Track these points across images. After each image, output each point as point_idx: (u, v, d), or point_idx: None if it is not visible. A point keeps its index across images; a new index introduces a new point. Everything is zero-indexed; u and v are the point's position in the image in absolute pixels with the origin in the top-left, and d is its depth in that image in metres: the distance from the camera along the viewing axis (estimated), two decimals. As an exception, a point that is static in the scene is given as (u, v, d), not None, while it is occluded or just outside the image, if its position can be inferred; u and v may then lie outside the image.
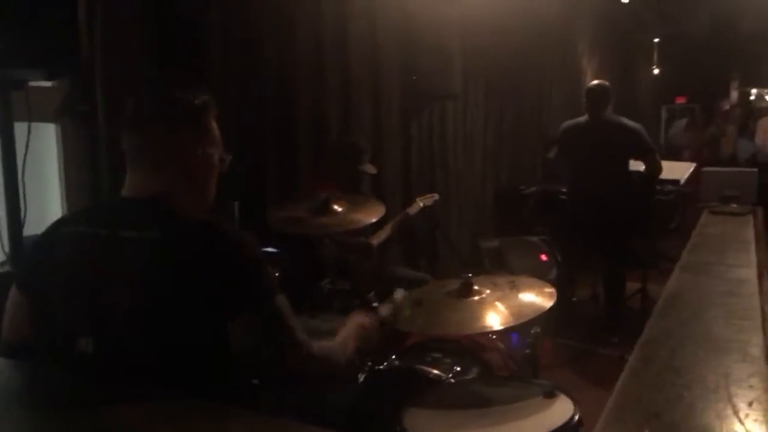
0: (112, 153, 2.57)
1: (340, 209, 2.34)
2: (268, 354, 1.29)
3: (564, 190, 5.84)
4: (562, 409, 1.56)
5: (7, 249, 2.15)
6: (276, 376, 1.40)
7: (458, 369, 2.11)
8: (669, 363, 1.09)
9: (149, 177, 1.35)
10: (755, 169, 4.07)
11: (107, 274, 1.27)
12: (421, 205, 3.35)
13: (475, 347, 2.28)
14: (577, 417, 1.51)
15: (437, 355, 2.18)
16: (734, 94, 11.75)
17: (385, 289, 2.53)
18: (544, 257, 4.73)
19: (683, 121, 9.36)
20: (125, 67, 2.52)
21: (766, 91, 13.21)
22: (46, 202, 2.55)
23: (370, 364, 2.06)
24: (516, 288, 1.95)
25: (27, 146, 1.92)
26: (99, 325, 1.25)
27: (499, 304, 1.87)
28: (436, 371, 2.05)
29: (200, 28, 2.89)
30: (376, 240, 3.02)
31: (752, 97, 11.34)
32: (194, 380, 1.23)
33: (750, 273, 1.88)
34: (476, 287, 1.93)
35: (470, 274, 1.96)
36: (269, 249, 2.29)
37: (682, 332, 1.27)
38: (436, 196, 3.55)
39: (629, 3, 7.91)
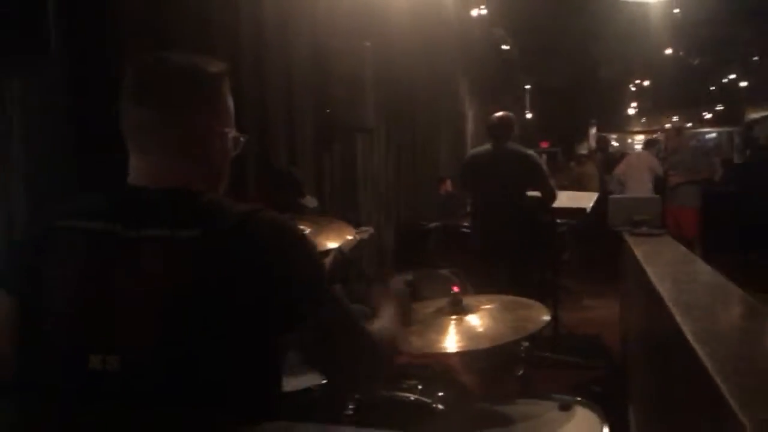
0: (28, 180, 2.27)
1: (307, 230, 2.20)
2: (338, 352, 1.13)
3: (465, 224, 6.03)
4: (587, 419, 1.52)
5: None
6: (352, 375, 1.19)
7: (440, 395, 2.02)
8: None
9: (163, 161, 1.14)
10: (658, 196, 4.41)
11: (128, 280, 1.05)
12: (358, 238, 3.25)
13: (449, 371, 2.21)
14: (605, 429, 1.48)
15: (412, 382, 2.09)
16: (592, 139, 12.84)
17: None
18: (455, 288, 4.80)
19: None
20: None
21: (613, 136, 14.61)
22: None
23: (357, 397, 1.92)
24: (504, 304, 1.92)
25: None
26: (121, 339, 1.04)
27: (494, 320, 1.82)
28: (415, 396, 1.96)
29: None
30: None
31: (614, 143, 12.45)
32: (237, 401, 1.06)
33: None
34: (466, 303, 1.88)
35: (458, 292, 1.90)
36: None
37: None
38: (372, 230, 3.48)
39: (507, 50, 8.45)
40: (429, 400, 1.94)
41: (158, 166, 1.14)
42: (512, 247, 4.02)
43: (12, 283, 1.12)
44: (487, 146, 4.30)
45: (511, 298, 1.97)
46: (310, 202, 2.97)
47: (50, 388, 1.06)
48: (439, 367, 2.19)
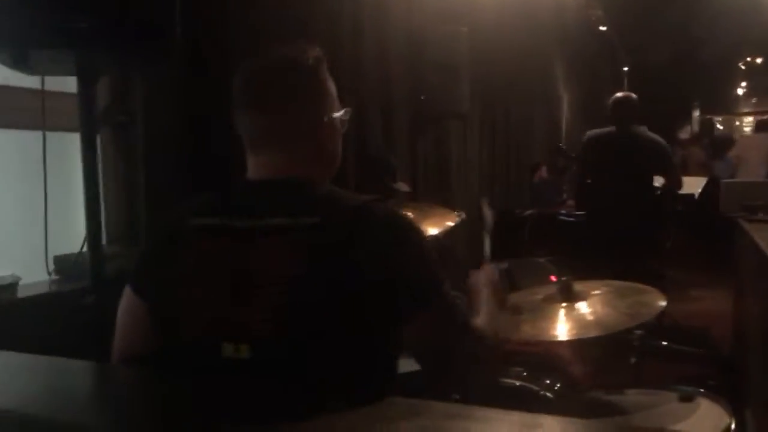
0: (151, 167, 2.42)
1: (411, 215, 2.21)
2: (445, 347, 1.14)
3: (562, 212, 5.87)
4: (712, 411, 1.45)
5: (52, 266, 1.97)
6: (462, 367, 1.18)
7: (548, 383, 1.98)
8: None
9: (278, 156, 1.18)
10: (774, 180, 4.14)
11: (255, 270, 1.08)
12: (451, 224, 3.24)
13: (557, 360, 2.16)
14: (732, 423, 1.40)
15: (519, 369, 2.06)
16: (695, 122, 12.16)
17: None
18: (553, 278, 4.69)
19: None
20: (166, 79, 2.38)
21: (718, 119, 13.75)
22: (73, 217, 2.34)
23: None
24: (617, 290, 1.85)
25: (44, 155, 1.77)
26: (251, 327, 1.07)
27: (606, 307, 1.77)
28: (536, 387, 1.92)
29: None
30: None
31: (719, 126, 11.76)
32: (356, 387, 1.07)
33: None
34: (577, 290, 1.83)
35: (565, 278, 1.85)
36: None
37: None
38: (464, 215, 3.46)
39: (603, 32, 8.12)
40: (536, 388, 1.91)
41: (274, 160, 1.18)
42: (633, 235, 3.86)
43: (145, 290, 1.18)
44: (611, 128, 4.08)
45: (623, 283, 1.90)
46: (402, 187, 2.98)
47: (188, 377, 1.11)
48: (546, 355, 2.14)
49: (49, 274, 1.95)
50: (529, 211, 5.92)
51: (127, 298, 1.21)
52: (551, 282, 4.67)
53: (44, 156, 1.79)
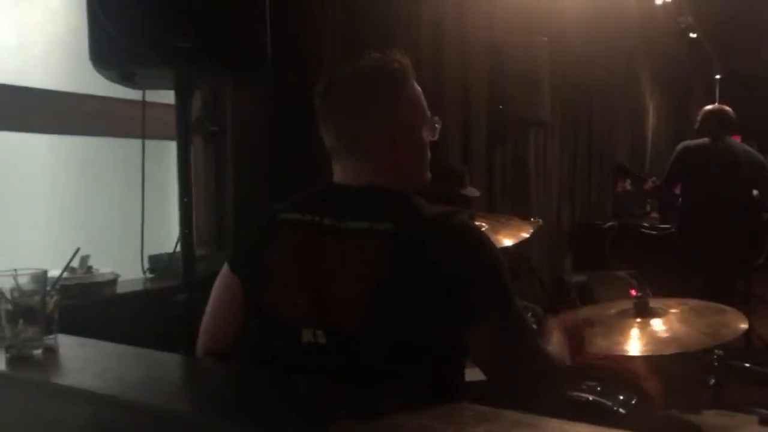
0: (240, 173, 2.57)
1: (485, 226, 2.25)
2: (507, 363, 1.16)
3: (644, 224, 5.70)
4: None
5: (147, 265, 2.12)
6: (516, 388, 1.17)
7: (621, 398, 1.96)
8: None
9: (361, 162, 1.23)
10: None
11: (334, 265, 1.16)
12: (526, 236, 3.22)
13: (630, 375, 2.13)
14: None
15: (592, 383, 2.04)
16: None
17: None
18: (633, 292, 4.56)
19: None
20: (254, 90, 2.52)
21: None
22: (169, 221, 2.51)
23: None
24: (695, 309, 1.82)
25: (143, 162, 1.89)
26: (329, 316, 1.15)
27: (682, 324, 1.74)
28: (609, 402, 1.91)
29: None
30: None
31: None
32: (422, 386, 1.12)
33: None
34: (653, 306, 1.81)
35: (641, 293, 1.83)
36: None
37: None
38: (540, 222, 3.43)
39: (694, 39, 7.81)
40: (609, 403, 1.89)
41: (354, 167, 1.24)
42: (727, 252, 3.73)
43: (240, 269, 1.29)
44: (705, 140, 3.96)
45: (702, 302, 1.86)
46: (472, 192, 2.99)
47: (271, 358, 1.21)
48: (621, 372, 2.12)
49: (144, 272, 2.09)
50: (610, 223, 5.78)
51: (223, 275, 1.31)
52: (630, 296, 4.58)
53: (143, 163, 1.92)
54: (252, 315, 1.26)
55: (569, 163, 5.83)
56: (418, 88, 1.28)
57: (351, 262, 1.15)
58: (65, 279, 1.83)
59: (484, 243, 1.18)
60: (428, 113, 1.29)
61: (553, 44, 4.85)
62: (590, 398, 1.93)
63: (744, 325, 1.67)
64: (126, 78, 1.49)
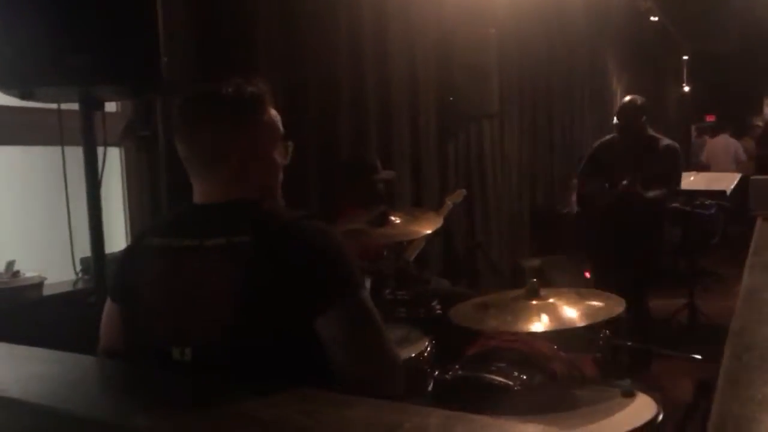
0: (172, 176, 2.67)
1: (398, 221, 2.37)
2: (354, 352, 1.23)
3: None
4: (644, 406, 1.55)
5: (79, 267, 2.23)
6: (357, 380, 1.23)
7: (524, 377, 2.10)
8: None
9: (216, 182, 1.31)
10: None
11: (200, 283, 1.26)
12: (450, 204, 3.34)
13: (538, 356, 2.27)
14: (660, 414, 1.50)
15: (501, 364, 2.18)
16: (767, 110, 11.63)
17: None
18: (587, 274, 4.71)
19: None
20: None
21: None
22: (110, 222, 2.61)
23: (436, 373, 2.06)
24: (583, 296, 1.96)
25: (102, 170, 1.99)
26: (191, 333, 1.25)
27: (567, 307, 1.88)
28: (502, 379, 2.05)
29: (243, 48, 2.95)
30: (411, 254, 2.98)
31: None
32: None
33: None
34: (542, 292, 1.95)
35: (535, 280, 1.97)
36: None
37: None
38: (464, 192, 3.55)
39: (657, 21, 7.93)
40: (511, 382, 2.03)
41: (212, 186, 1.32)
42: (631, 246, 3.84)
43: (115, 294, 1.39)
44: (613, 135, 4.03)
45: (589, 290, 2.01)
46: (388, 174, 3.11)
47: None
48: (530, 352, 2.26)
49: (77, 274, 2.20)
50: (567, 209, 5.92)
51: (108, 301, 1.42)
52: (584, 278, 4.72)
53: (64, 169, 1.98)
54: (129, 337, 1.35)
55: (529, 152, 5.94)
56: (274, 113, 1.37)
57: (213, 278, 1.24)
58: (-9, 284, 1.96)
59: (330, 240, 1.26)
60: (281, 137, 1.38)
61: (507, 34, 4.96)
62: (495, 379, 2.06)
63: (619, 309, 1.80)
64: (27, 96, 1.60)
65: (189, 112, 1.34)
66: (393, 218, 2.35)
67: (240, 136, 1.31)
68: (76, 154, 1.99)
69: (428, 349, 2.05)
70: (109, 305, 1.42)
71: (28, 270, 2.05)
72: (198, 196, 1.35)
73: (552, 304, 1.89)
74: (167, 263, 1.30)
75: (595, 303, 1.90)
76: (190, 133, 1.33)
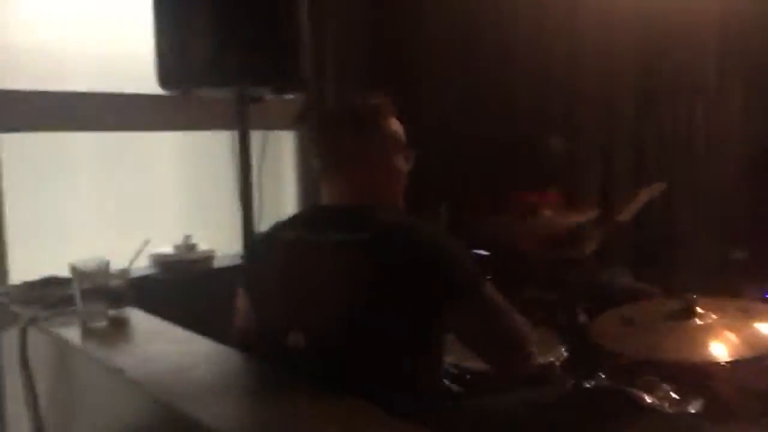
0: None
1: (549, 213, 2.25)
2: (485, 344, 1.35)
3: None
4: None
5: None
6: (492, 364, 1.43)
7: (677, 398, 1.89)
8: None
9: (339, 183, 1.42)
10: None
11: (318, 276, 1.34)
12: (645, 199, 3.05)
13: (701, 376, 2.02)
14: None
15: (654, 378, 1.98)
16: None
17: (602, 301, 2.37)
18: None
19: None
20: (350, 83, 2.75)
21: None
22: (284, 201, 2.83)
23: (573, 381, 1.94)
24: (749, 315, 1.70)
25: (264, 151, 2.16)
26: (309, 322, 1.33)
27: (728, 332, 1.64)
28: (651, 398, 1.86)
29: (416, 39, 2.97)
30: (591, 247, 2.80)
31: None
32: (399, 380, 1.28)
33: None
34: (700, 310, 1.72)
35: (694, 295, 1.75)
36: (480, 252, 2.26)
37: None
38: (663, 185, 3.21)
39: None
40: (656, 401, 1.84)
41: (338, 190, 1.43)
42: None
43: (246, 283, 1.52)
44: None
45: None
46: (556, 148, 2.94)
47: (268, 356, 1.41)
48: (693, 370, 2.02)
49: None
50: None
51: (241, 290, 1.55)
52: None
53: (237, 153, 2.18)
54: (255, 323, 1.47)
55: (757, 132, 5.16)
56: (395, 123, 1.46)
57: (333, 271, 1.33)
58: (169, 256, 2.25)
59: (444, 243, 1.32)
60: (403, 146, 1.47)
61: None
62: (644, 397, 1.89)
63: None
64: (185, 95, 1.79)
65: (319, 124, 1.48)
66: (544, 211, 2.23)
67: (363, 146, 1.43)
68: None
69: (562, 356, 1.92)
70: (241, 297, 1.54)
71: (203, 244, 2.31)
72: (326, 198, 1.46)
73: (708, 326, 1.67)
74: (292, 256, 1.40)
75: (764, 327, 1.64)
76: (321, 142, 1.46)
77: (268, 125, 2.15)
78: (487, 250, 2.31)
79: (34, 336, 1.61)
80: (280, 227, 1.49)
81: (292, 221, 1.50)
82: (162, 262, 2.22)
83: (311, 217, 1.49)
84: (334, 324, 1.29)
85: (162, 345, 1.46)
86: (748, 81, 4.87)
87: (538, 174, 2.89)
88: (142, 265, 2.22)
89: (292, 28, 1.76)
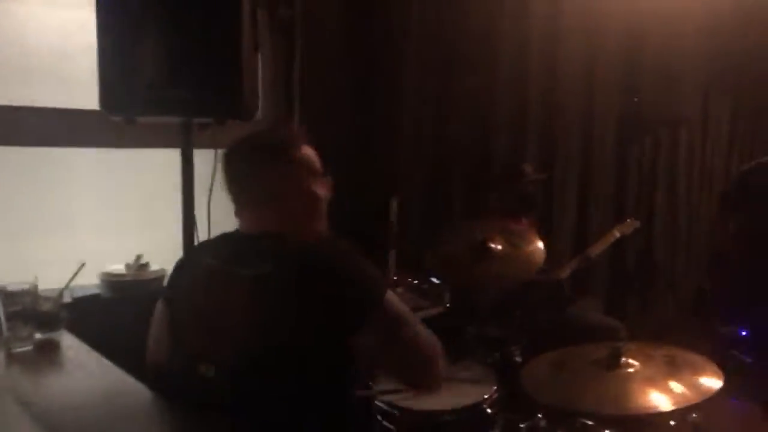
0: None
1: (499, 249, 2.25)
2: (393, 355, 1.37)
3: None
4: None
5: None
6: (400, 376, 1.49)
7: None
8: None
9: (254, 213, 1.44)
10: None
11: (225, 306, 1.36)
12: (617, 235, 3.09)
13: (639, 421, 2.02)
14: None
15: (589, 422, 1.98)
16: None
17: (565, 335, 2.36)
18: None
19: None
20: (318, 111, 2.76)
21: None
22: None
23: (506, 418, 1.94)
24: (674, 365, 1.71)
25: (215, 169, 2.15)
26: (217, 351, 1.34)
27: (651, 385, 1.65)
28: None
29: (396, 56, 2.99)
30: (563, 273, 2.82)
31: None
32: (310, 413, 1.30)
33: None
34: (625, 359, 1.73)
35: (621, 343, 1.76)
36: (433, 279, 2.27)
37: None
38: (637, 224, 3.25)
39: None
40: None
41: (253, 217, 1.45)
42: None
43: (167, 298, 1.52)
44: None
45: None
46: (536, 176, 2.98)
47: (178, 387, 1.38)
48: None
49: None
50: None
51: (159, 303, 1.54)
52: None
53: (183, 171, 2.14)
54: (170, 341, 1.46)
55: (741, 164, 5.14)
56: (310, 152, 1.48)
57: (239, 304, 1.34)
58: (120, 275, 2.26)
59: (348, 261, 1.35)
60: (319, 172, 1.48)
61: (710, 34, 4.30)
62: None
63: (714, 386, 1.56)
64: (129, 122, 1.81)
65: (230, 160, 1.48)
66: (494, 247, 2.24)
67: (276, 175, 1.44)
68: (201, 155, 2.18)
69: (494, 394, 1.93)
70: (160, 307, 1.52)
71: (154, 263, 2.32)
72: (241, 225, 1.48)
73: (632, 376, 1.68)
74: (206, 282, 1.42)
75: (687, 378, 1.65)
76: (233, 176, 1.47)
77: (218, 144, 2.16)
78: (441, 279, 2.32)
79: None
80: (199, 251, 1.52)
81: (209, 246, 1.52)
82: (112, 281, 2.24)
83: (223, 244, 1.50)
84: (242, 356, 1.30)
85: (71, 377, 1.47)
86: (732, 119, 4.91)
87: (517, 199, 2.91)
88: (92, 284, 2.25)
89: (237, 57, 1.78)
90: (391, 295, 1.36)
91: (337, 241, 1.39)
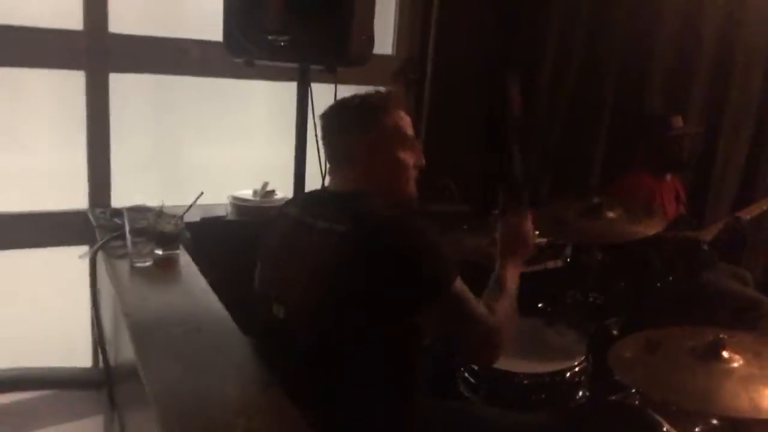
0: (434, 118, 2.86)
1: (613, 216, 2.11)
2: (455, 337, 1.41)
3: None
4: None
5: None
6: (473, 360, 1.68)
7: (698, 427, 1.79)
8: None
9: (341, 174, 1.50)
10: None
11: (298, 254, 1.43)
12: (765, 208, 2.75)
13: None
14: None
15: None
16: None
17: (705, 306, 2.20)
18: None
19: None
20: (452, 47, 2.76)
21: None
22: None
23: (587, 393, 1.89)
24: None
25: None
26: (290, 297, 1.44)
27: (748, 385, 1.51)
28: (667, 426, 1.77)
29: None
30: (707, 234, 2.59)
31: None
32: (368, 364, 1.37)
33: None
34: (726, 353, 1.59)
35: (723, 336, 1.61)
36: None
37: None
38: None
39: None
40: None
41: (340, 178, 1.51)
42: None
43: (262, 237, 1.63)
44: None
45: None
46: (683, 130, 2.80)
47: (257, 323, 1.53)
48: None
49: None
50: None
51: None
52: None
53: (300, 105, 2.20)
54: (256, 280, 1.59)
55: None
56: (400, 117, 1.50)
57: (314, 255, 1.40)
58: (246, 200, 2.45)
59: (420, 241, 1.34)
60: (408, 138, 1.51)
61: None
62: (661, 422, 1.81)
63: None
64: (249, 64, 1.91)
65: (324, 121, 1.55)
66: (608, 213, 2.10)
67: (361, 140, 1.49)
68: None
69: (582, 364, 1.88)
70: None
71: (279, 191, 2.48)
72: (330, 183, 1.55)
73: (731, 372, 1.54)
74: (288, 232, 1.51)
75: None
76: (326, 136, 1.54)
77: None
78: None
79: (102, 259, 1.89)
80: (292, 203, 1.60)
81: (301, 201, 1.60)
82: (239, 205, 2.43)
83: (310, 198, 1.60)
84: (311, 306, 1.38)
85: (174, 297, 1.66)
86: None
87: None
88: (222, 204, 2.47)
89: (349, 3, 1.80)
90: (458, 283, 1.36)
91: (414, 218, 1.38)
